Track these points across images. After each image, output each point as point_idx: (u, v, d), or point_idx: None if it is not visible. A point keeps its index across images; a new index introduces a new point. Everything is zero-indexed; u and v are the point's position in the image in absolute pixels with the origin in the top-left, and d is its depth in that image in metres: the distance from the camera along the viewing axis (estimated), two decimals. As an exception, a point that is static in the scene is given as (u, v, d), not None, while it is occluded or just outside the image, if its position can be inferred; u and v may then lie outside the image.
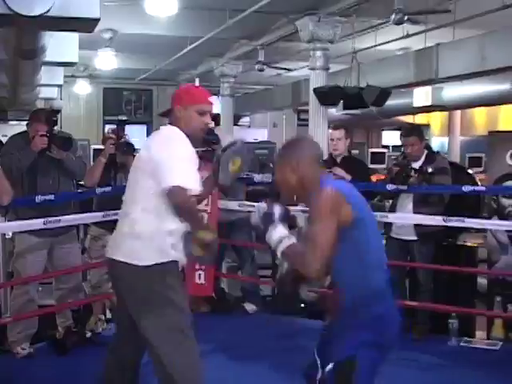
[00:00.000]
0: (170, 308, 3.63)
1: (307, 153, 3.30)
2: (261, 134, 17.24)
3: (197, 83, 15.88)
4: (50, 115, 5.59)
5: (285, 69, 13.61)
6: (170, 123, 3.90)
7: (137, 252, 3.63)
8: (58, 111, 5.45)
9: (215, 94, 16.56)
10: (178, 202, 3.46)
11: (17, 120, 15.33)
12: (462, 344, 6.10)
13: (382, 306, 3.27)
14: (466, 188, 6.15)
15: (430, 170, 6.15)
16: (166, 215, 3.57)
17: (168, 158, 3.57)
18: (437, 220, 6.00)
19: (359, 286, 3.23)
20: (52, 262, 5.71)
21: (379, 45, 10.91)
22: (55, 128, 5.56)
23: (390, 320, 3.33)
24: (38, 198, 5.28)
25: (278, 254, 3.18)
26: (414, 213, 6.20)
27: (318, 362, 3.34)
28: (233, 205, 6.77)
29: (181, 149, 3.65)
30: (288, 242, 3.14)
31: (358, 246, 3.18)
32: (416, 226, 6.18)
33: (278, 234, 3.17)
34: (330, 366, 3.19)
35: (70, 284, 5.79)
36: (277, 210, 3.23)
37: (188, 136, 3.75)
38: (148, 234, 3.61)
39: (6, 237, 6.34)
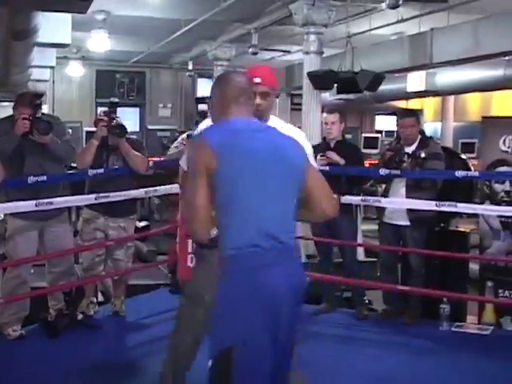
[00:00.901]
0: None
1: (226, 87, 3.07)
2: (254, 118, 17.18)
3: (190, 66, 15.88)
4: (33, 98, 5.53)
5: (279, 50, 13.58)
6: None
7: None
8: (42, 94, 5.40)
9: (208, 77, 16.54)
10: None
11: (8, 101, 15.24)
12: (453, 329, 6.11)
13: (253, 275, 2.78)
14: (459, 173, 6.15)
15: (422, 154, 6.15)
16: None
17: None
18: (429, 205, 6.00)
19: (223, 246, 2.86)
20: (43, 245, 5.68)
21: (373, 29, 10.88)
22: (40, 111, 5.50)
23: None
24: (30, 179, 5.25)
25: None
26: (407, 198, 6.20)
27: None
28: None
29: None
30: None
31: (223, 199, 2.85)
32: (409, 211, 6.18)
33: None
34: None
35: (62, 267, 5.77)
36: None
37: None
38: None
39: (-2, 219, 6.33)
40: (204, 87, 17.83)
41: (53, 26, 8.00)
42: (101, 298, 6.59)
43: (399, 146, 6.38)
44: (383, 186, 6.73)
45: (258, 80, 3.78)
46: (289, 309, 2.85)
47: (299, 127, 11.65)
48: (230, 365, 2.72)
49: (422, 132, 6.53)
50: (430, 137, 6.96)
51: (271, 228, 2.83)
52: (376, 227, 6.86)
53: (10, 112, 5.62)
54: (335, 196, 5.41)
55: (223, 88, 3.08)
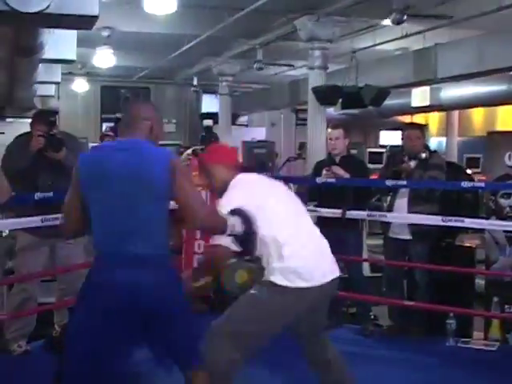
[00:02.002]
0: None
1: None
2: (259, 134, 17.22)
3: (194, 82, 15.92)
4: (48, 116, 5.59)
5: (284, 65, 13.60)
6: None
7: None
8: (57, 112, 5.46)
9: (213, 93, 16.57)
10: None
11: (14, 117, 15.29)
12: (459, 344, 6.09)
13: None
14: (465, 184, 6.14)
15: (423, 155, 6.17)
16: None
17: None
18: (436, 220, 5.99)
19: None
20: (54, 262, 5.68)
21: (378, 44, 10.89)
22: (54, 128, 5.54)
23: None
24: (37, 196, 5.27)
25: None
26: (409, 210, 6.19)
27: None
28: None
29: None
30: None
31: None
32: (410, 224, 6.17)
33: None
34: None
35: (72, 284, 5.76)
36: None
37: None
38: None
39: (3, 235, 6.33)
40: (209, 103, 17.87)
41: (58, 42, 8.01)
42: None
43: (400, 149, 6.44)
44: (388, 199, 6.73)
45: None
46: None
47: (304, 142, 11.71)
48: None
49: (426, 146, 6.53)
50: (435, 151, 6.96)
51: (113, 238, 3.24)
52: (381, 242, 6.85)
53: (15, 127, 5.65)
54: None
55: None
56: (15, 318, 5.51)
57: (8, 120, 14.97)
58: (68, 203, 3.36)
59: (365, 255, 7.66)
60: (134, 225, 3.22)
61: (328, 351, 4.18)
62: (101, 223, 3.25)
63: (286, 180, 9.56)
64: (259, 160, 11.86)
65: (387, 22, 8.75)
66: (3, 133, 10.41)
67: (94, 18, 5.03)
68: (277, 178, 7.25)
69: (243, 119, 18.75)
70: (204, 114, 16.35)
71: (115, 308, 3.16)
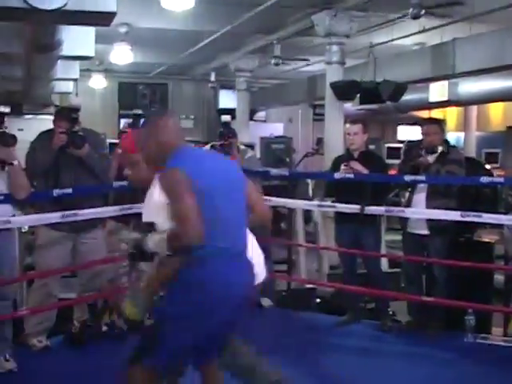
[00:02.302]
0: None
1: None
2: (276, 129, 17.22)
3: (212, 77, 15.93)
4: (70, 113, 5.60)
5: (301, 59, 13.59)
6: None
7: None
8: (79, 109, 5.49)
9: (231, 88, 16.58)
10: None
11: (32, 114, 15.38)
12: (478, 340, 6.05)
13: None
14: (484, 179, 6.09)
15: (440, 148, 6.14)
16: None
17: None
18: (454, 215, 5.96)
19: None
20: (76, 257, 5.71)
21: (396, 39, 10.87)
22: (77, 125, 5.57)
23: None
24: (56, 192, 5.30)
25: (161, 249, 3.31)
26: (427, 205, 6.16)
27: None
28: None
29: None
30: (161, 234, 3.30)
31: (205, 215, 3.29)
32: (428, 219, 6.15)
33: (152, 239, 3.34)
34: None
35: (94, 282, 5.79)
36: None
37: None
38: None
39: (22, 230, 6.36)
40: (226, 98, 17.89)
41: (76, 38, 8.04)
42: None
43: (417, 142, 6.42)
44: (406, 195, 6.70)
45: None
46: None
47: (321, 138, 11.70)
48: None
49: (446, 141, 6.49)
50: (454, 146, 6.93)
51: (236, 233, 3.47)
52: (399, 237, 6.83)
53: (33, 124, 5.68)
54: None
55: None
56: (35, 314, 5.55)
57: (26, 117, 15.06)
58: (191, 211, 3.24)
59: (383, 251, 7.64)
60: (242, 226, 3.54)
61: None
62: (220, 226, 3.36)
63: (304, 175, 9.60)
64: (277, 155, 11.86)
65: (405, 17, 8.73)
66: (22, 129, 10.46)
67: (112, 14, 5.05)
68: (294, 173, 7.28)
69: (261, 115, 18.75)
70: (222, 109, 16.36)
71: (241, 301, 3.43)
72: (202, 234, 3.20)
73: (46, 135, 5.70)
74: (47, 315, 5.60)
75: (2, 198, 4.98)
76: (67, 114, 5.58)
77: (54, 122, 5.63)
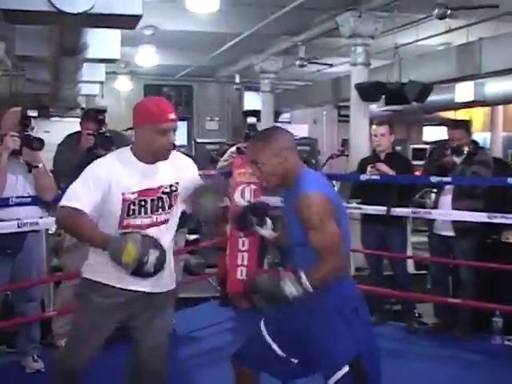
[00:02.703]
0: None
1: (288, 142, 3.35)
2: (301, 131, 17.20)
3: (237, 79, 15.95)
4: (97, 114, 5.65)
5: (326, 64, 13.57)
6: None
7: None
8: (105, 110, 5.55)
9: (255, 90, 16.60)
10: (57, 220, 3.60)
11: (58, 116, 15.49)
12: (506, 342, 6.00)
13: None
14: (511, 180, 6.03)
15: (466, 148, 6.09)
16: None
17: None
18: (481, 216, 5.92)
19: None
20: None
21: (421, 40, 10.82)
22: (104, 127, 5.61)
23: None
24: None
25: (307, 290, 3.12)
26: (453, 206, 6.12)
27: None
28: (274, 200, 6.74)
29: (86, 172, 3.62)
30: (304, 277, 3.10)
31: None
32: (454, 221, 6.11)
33: (289, 286, 3.12)
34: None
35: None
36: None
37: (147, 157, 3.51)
38: None
39: (49, 232, 6.41)
40: (251, 100, 17.90)
41: (102, 41, 8.10)
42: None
43: (443, 142, 6.37)
44: (432, 196, 6.67)
45: (173, 116, 3.58)
46: None
47: (346, 139, 11.68)
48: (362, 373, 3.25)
49: (473, 142, 6.44)
50: (482, 147, 6.88)
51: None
52: (426, 239, 6.80)
53: (60, 126, 5.72)
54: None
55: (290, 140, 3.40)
56: (63, 314, 5.58)
57: (53, 119, 15.17)
58: (339, 241, 3.20)
59: (409, 252, 7.60)
60: None
61: None
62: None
63: (329, 177, 9.57)
64: (302, 157, 11.85)
65: (431, 16, 8.68)
66: (48, 131, 10.53)
67: (138, 17, 5.09)
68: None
69: (285, 116, 18.74)
70: (247, 111, 16.35)
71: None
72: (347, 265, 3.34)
73: (72, 137, 5.75)
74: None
75: (29, 200, 5.03)
76: (94, 116, 5.62)
77: (81, 123, 5.67)
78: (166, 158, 3.50)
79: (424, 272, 7.51)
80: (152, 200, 3.51)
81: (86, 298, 3.62)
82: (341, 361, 3.20)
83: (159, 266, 3.27)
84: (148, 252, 3.20)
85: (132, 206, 3.47)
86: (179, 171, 3.60)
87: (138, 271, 3.24)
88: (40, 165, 5.02)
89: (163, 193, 3.53)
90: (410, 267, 7.65)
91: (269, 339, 3.42)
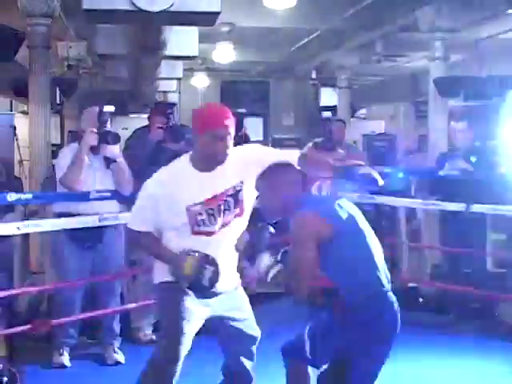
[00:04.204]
0: None
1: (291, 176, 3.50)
2: (377, 126, 17.05)
3: (313, 75, 15.91)
4: (166, 108, 5.73)
5: (403, 57, 13.43)
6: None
7: None
8: (175, 104, 5.64)
9: (332, 86, 16.52)
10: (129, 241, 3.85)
11: (136, 113, 15.72)
12: None
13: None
14: None
15: None
16: None
17: None
18: None
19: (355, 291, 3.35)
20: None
21: (502, 33, 10.59)
22: (172, 120, 5.68)
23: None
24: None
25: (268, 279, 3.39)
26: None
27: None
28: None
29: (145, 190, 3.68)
30: (274, 271, 3.37)
31: (345, 254, 3.32)
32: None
33: (264, 262, 3.40)
34: None
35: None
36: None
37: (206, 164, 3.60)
38: None
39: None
40: (327, 96, 17.83)
41: (180, 39, 8.20)
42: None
43: None
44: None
45: (229, 122, 3.56)
46: None
47: (424, 135, 11.52)
48: None
49: None
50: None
51: None
52: (505, 237, 6.68)
53: (137, 123, 5.81)
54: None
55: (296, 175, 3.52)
56: (141, 308, 5.68)
57: (131, 116, 15.42)
58: (308, 268, 3.35)
59: (488, 250, 7.47)
60: None
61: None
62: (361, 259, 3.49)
63: (407, 173, 9.48)
64: (379, 153, 11.76)
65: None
66: (127, 128, 10.71)
67: (216, 14, 5.13)
68: (397, 171, 7.19)
69: (362, 112, 18.61)
70: (323, 107, 16.31)
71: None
72: (307, 292, 3.37)
73: (141, 131, 5.84)
74: (153, 309, 5.72)
75: (108, 194, 5.14)
76: (163, 110, 5.70)
77: (150, 117, 5.76)
78: (223, 162, 3.55)
79: (503, 270, 7.38)
80: (219, 205, 3.57)
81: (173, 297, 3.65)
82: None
83: (214, 280, 3.48)
84: (204, 268, 3.44)
85: (199, 217, 3.55)
86: (241, 169, 3.61)
87: (195, 284, 3.47)
88: (118, 159, 5.11)
89: (228, 196, 3.59)
90: (489, 265, 7.51)
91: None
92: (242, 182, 3.60)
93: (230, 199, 3.59)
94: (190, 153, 3.66)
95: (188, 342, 3.63)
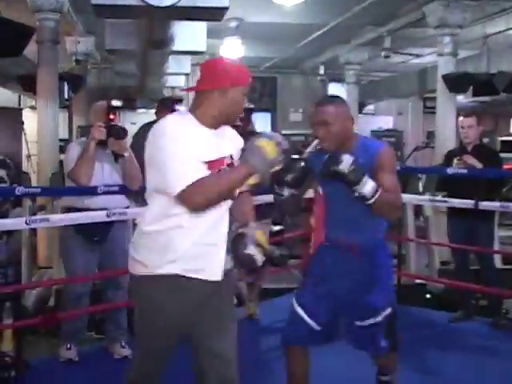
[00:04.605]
0: None
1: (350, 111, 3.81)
2: (385, 122, 17.03)
3: (321, 71, 15.89)
4: (172, 103, 5.72)
5: (412, 54, 13.39)
6: (190, 110, 3.22)
7: None
8: (181, 99, 5.64)
9: (340, 81, 16.50)
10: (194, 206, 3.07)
11: (144, 108, 15.74)
12: None
13: None
14: None
15: None
16: None
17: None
18: None
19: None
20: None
21: (511, 29, 10.56)
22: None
23: None
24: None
25: (372, 200, 3.50)
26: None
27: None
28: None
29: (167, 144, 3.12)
30: (380, 192, 3.51)
31: None
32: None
33: (371, 185, 3.49)
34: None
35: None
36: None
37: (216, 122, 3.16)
38: None
39: (136, 222, 6.53)
40: (335, 91, 17.80)
41: (188, 34, 8.18)
42: (235, 301, 6.69)
43: None
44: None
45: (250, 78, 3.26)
46: None
47: (432, 131, 11.50)
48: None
49: None
50: None
51: None
52: (513, 234, 6.67)
53: (146, 118, 5.81)
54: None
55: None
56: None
57: (139, 111, 15.45)
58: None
59: (496, 247, 7.46)
60: None
61: None
62: None
63: (416, 170, 9.47)
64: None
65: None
66: (135, 123, 10.74)
67: (224, 9, 5.13)
68: (405, 167, 7.18)
69: (370, 108, 18.58)
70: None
71: None
72: None
73: (148, 127, 5.83)
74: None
75: (116, 188, 5.13)
76: (170, 105, 5.69)
77: (157, 112, 5.74)
78: (235, 122, 3.26)
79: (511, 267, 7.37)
80: (219, 171, 3.13)
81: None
82: (388, 303, 3.78)
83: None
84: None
85: None
86: (232, 142, 3.27)
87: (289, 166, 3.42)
88: (126, 154, 5.10)
89: (227, 164, 3.18)
90: (497, 262, 7.50)
91: (300, 311, 3.80)
92: (232, 157, 3.20)
93: (227, 168, 3.17)
94: (189, 107, 3.26)
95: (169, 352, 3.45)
